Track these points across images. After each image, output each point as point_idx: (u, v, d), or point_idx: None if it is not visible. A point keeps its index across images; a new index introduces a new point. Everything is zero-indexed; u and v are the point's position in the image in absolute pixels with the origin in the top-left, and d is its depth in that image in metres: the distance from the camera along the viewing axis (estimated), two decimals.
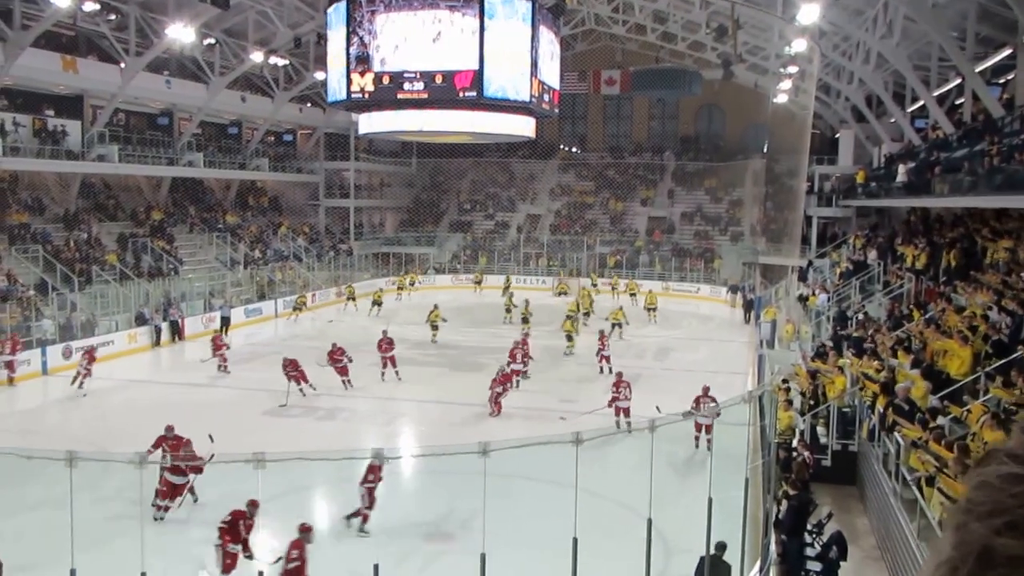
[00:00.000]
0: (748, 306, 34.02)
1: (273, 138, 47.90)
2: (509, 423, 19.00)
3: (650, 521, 11.31)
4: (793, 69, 32.98)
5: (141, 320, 29.97)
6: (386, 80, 21.73)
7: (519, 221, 51.89)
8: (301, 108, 46.38)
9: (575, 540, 10.98)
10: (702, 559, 11.22)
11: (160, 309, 31.16)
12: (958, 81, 25.78)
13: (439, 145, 42.96)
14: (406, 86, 21.64)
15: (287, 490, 14.06)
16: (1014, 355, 13.46)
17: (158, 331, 29.99)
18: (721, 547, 11.42)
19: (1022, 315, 14.89)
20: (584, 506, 13.46)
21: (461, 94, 21.55)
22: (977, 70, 22.81)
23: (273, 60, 38.70)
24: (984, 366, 14.11)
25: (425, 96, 21.64)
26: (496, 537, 12.86)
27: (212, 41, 36.82)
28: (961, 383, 14.38)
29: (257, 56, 36.94)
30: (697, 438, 17.34)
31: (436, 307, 30.73)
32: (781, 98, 37.68)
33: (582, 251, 47.71)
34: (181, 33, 30.92)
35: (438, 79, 21.49)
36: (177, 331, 30.62)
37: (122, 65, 33.71)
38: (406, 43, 21.46)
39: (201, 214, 41.59)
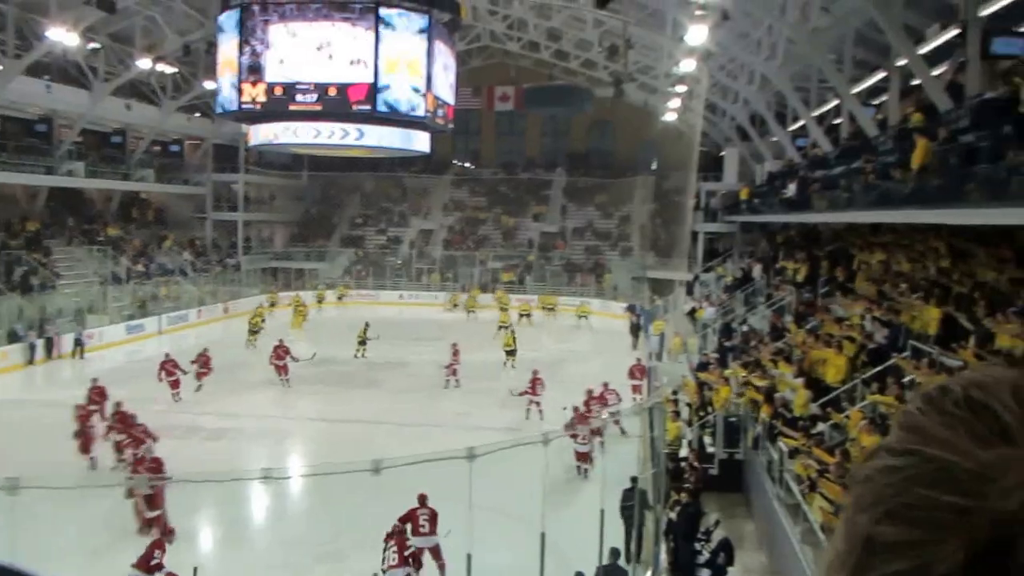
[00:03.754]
0: (636, 330, 34.37)
1: (159, 148, 46.10)
2: (407, 439, 18.66)
3: (543, 535, 11.31)
4: (681, 88, 33.94)
5: (14, 337, 28.38)
6: (278, 91, 21.27)
7: (412, 236, 51.59)
8: (189, 118, 44.92)
9: (469, 556, 10.88)
10: (597, 569, 11.30)
11: (35, 326, 29.58)
12: (836, 102, 26.96)
13: (331, 158, 42.36)
14: (299, 98, 21.23)
15: (172, 513, 13.46)
16: (888, 362, 14.10)
17: (32, 348, 28.47)
18: (615, 553, 11.55)
19: (896, 324, 15.62)
20: (478, 520, 13.34)
21: (355, 107, 21.30)
22: (853, 92, 23.93)
23: (161, 67, 37.32)
24: (861, 373, 14.73)
25: (318, 108, 21.28)
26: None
27: (97, 46, 35.24)
28: (840, 390, 14.97)
29: (144, 63, 35.58)
30: (578, 465, 17.24)
31: (367, 324, 30.20)
32: (670, 116, 38.72)
33: (474, 266, 47.78)
34: (63, 36, 29.47)
35: (332, 91, 21.18)
36: (52, 348, 29.13)
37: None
38: (300, 54, 21.08)
39: (81, 226, 39.66)
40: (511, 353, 28.40)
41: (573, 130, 55.07)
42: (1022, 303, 12.71)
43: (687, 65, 27.50)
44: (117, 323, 32.97)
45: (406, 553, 11.67)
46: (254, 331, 31.42)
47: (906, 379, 13.05)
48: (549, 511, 11.43)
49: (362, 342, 29.64)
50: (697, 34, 22.38)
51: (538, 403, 21.21)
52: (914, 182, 14.80)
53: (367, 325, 30.05)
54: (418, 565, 11.98)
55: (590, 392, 19.61)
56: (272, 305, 36.31)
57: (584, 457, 17.02)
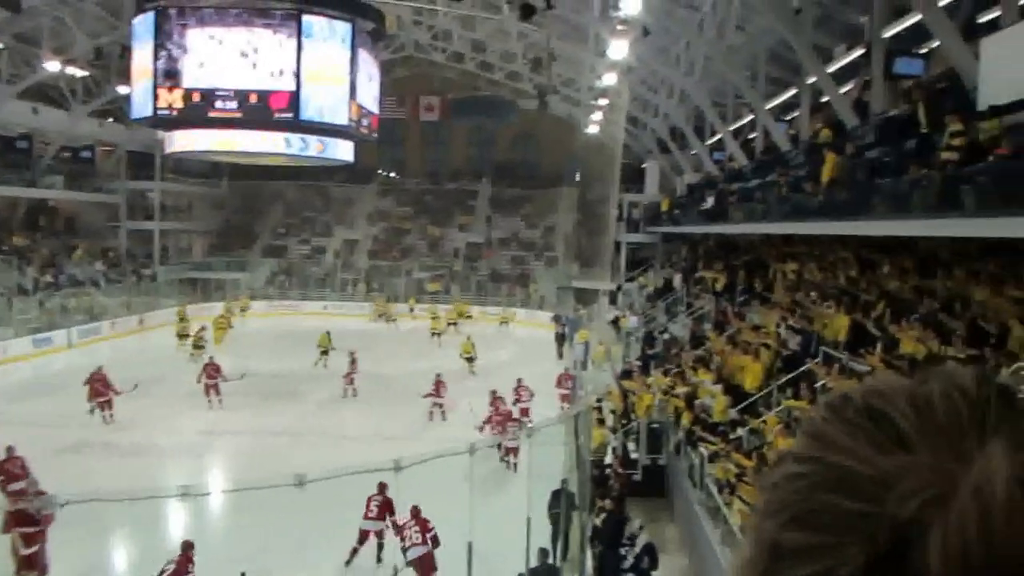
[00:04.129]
0: (561, 339, 34.64)
1: (69, 154, 44.60)
2: (332, 452, 18.45)
3: (471, 544, 11.37)
4: (603, 102, 34.47)
5: None
6: (196, 97, 20.85)
7: (336, 246, 51.09)
8: (101, 123, 43.61)
9: (395, 568, 10.87)
10: (529, 571, 11.43)
11: None
12: (751, 117, 27.81)
13: (252, 167, 41.62)
14: (218, 104, 20.85)
15: (84, 535, 13.02)
16: (801, 368, 14.60)
17: None
18: (544, 553, 11.71)
19: (808, 332, 16.18)
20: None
21: (277, 115, 21.04)
22: (767, 107, 24.73)
23: (71, 70, 36.16)
24: (777, 379, 15.21)
25: (238, 116, 20.92)
26: (318, 570, 12.51)
27: (0, 46, 34.02)
28: (757, 396, 15.43)
29: (53, 65, 34.37)
30: (505, 460, 17.86)
31: (328, 333, 30.14)
32: (592, 129, 39.27)
33: (400, 277, 47.60)
34: None
35: (252, 99, 20.86)
36: None
37: None
38: (219, 60, 20.70)
39: None
40: (471, 360, 29.03)
41: (498, 141, 55.36)
42: (923, 310, 13.31)
43: (609, 79, 27.98)
44: (23, 336, 31.76)
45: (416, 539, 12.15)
46: (199, 345, 30.20)
47: (818, 384, 13.54)
48: (476, 519, 11.48)
49: (324, 352, 29.41)
50: (618, 49, 22.81)
51: (440, 405, 22.02)
52: (824, 195, 15.37)
53: (328, 334, 29.96)
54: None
55: (494, 393, 20.19)
56: (181, 320, 35.16)
57: (513, 451, 17.43)
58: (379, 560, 13.40)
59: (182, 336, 32.05)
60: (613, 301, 35.31)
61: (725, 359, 17.65)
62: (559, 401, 22.97)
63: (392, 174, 56.68)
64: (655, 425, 17.22)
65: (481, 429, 18.36)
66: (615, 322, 30.98)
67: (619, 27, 22.24)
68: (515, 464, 17.29)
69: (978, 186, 10.78)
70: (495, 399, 19.96)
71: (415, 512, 12.43)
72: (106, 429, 20.66)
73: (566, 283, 43.77)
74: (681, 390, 17.20)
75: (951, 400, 0.62)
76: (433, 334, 35.98)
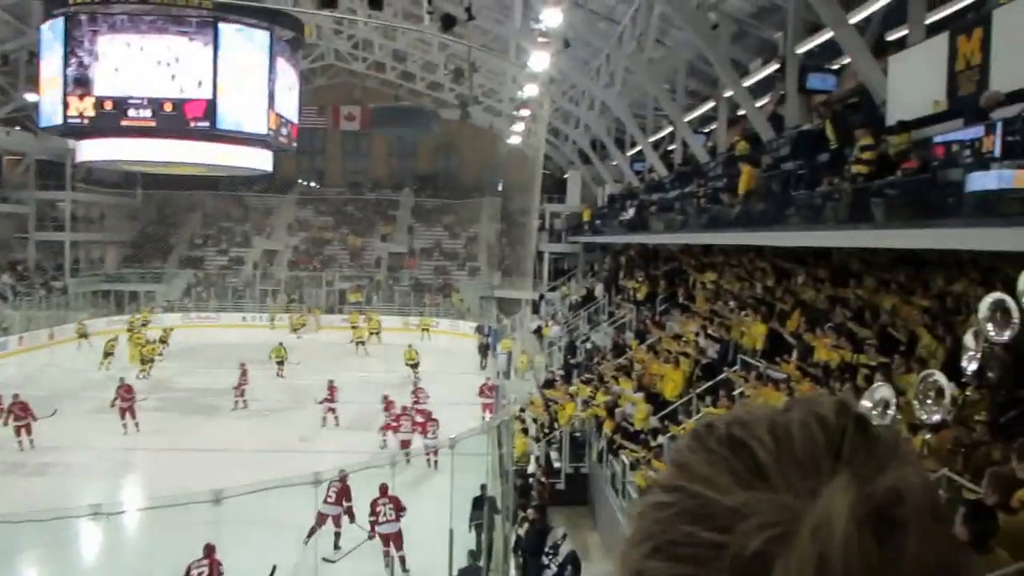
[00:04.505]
0: (485, 349, 34.57)
1: None
2: (250, 466, 17.99)
3: (392, 557, 11.25)
4: (525, 113, 34.67)
5: None
6: (108, 105, 20.27)
7: (255, 257, 50.08)
8: (8, 131, 41.84)
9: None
10: (458, 571, 11.40)
11: None
12: (670, 129, 28.35)
13: (167, 176, 40.53)
14: (131, 113, 20.32)
15: None
16: (720, 376, 14.88)
17: None
18: (473, 554, 11.72)
19: (726, 340, 16.51)
20: (325, 545, 13.10)
21: (192, 124, 20.59)
22: (686, 120, 25.25)
23: None
24: (696, 387, 15.47)
25: (152, 125, 20.42)
26: None
27: None
28: (677, 404, 15.66)
29: None
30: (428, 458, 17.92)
31: (281, 344, 30.44)
32: (514, 140, 39.44)
33: (321, 287, 46.94)
34: None
35: (167, 107, 20.40)
36: None
37: None
38: (132, 67, 20.18)
39: None
40: (415, 366, 29.44)
41: (420, 151, 55.13)
42: (837, 319, 13.71)
43: (530, 90, 28.16)
44: None
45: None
46: (109, 352, 29.73)
47: (736, 392, 13.82)
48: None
49: (280, 362, 29.26)
50: (539, 60, 22.99)
51: (334, 410, 22.45)
52: (741, 206, 15.73)
53: (281, 345, 30.01)
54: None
55: (386, 397, 21.24)
56: (82, 336, 33.95)
57: (433, 451, 17.50)
58: (336, 547, 13.83)
59: (107, 353, 30.91)
60: (536, 311, 35.49)
61: (646, 368, 17.87)
62: (481, 411, 22.92)
63: (312, 184, 55.90)
64: (577, 434, 17.33)
65: (383, 435, 19.69)
66: (538, 331, 31.12)
67: (540, 39, 22.43)
68: (435, 462, 17.51)
69: (887, 199, 11.17)
70: (388, 402, 20.92)
71: (384, 490, 13.31)
72: (14, 448, 19.76)
73: (489, 293, 43.80)
74: (603, 399, 17.35)
75: (809, 430, 0.62)
76: (355, 343, 35.85)
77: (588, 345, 25.79)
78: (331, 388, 22.63)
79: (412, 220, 52.73)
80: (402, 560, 13.05)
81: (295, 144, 24.94)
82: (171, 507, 11.76)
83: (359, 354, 34.81)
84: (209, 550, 11.16)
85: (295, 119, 24.01)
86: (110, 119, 20.29)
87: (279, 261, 49.69)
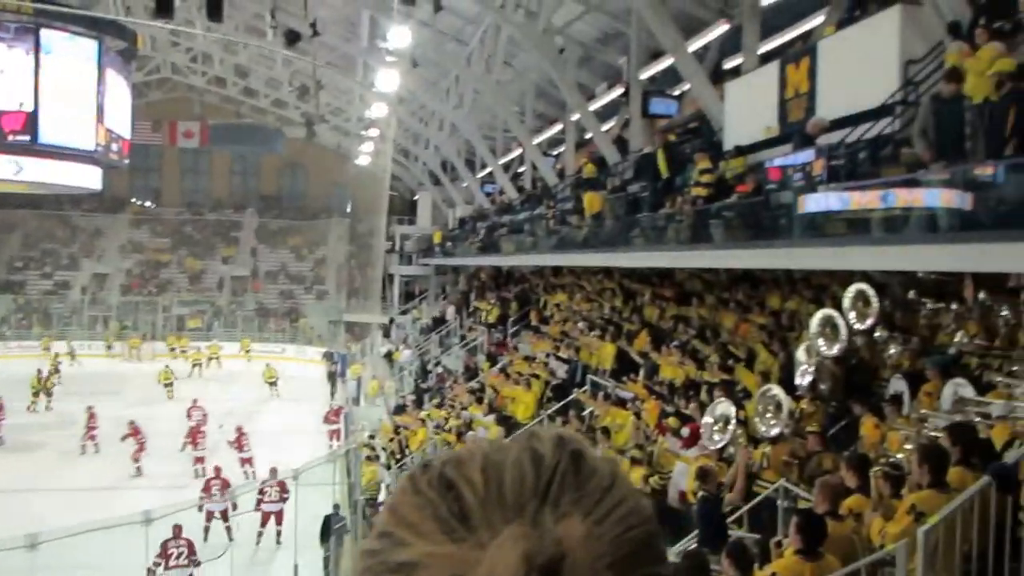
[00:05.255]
0: (333, 377, 33.49)
1: None
2: (76, 507, 16.54)
3: None
4: (373, 132, 34.26)
5: None
6: None
7: (83, 281, 47.01)
8: None
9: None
10: None
11: None
12: (520, 151, 28.62)
13: None
14: None
15: None
16: (570, 397, 14.95)
17: None
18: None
19: (574, 361, 16.66)
20: None
21: (11, 138, 19.13)
22: (535, 142, 25.55)
23: None
24: (547, 409, 15.48)
25: None
26: None
27: None
28: (529, 426, 15.59)
29: None
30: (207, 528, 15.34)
31: (168, 367, 30.09)
32: (363, 160, 38.92)
33: (157, 313, 44.58)
34: None
35: None
36: None
37: None
38: None
39: None
40: (273, 383, 29.89)
41: (263, 170, 53.47)
42: (681, 337, 14.05)
43: (378, 110, 27.85)
44: None
45: None
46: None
47: (585, 412, 13.92)
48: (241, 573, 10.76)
49: (168, 384, 28.57)
50: (386, 80, 22.72)
51: (94, 438, 21.99)
52: (588, 228, 15.95)
53: (168, 367, 29.41)
54: None
55: (194, 428, 20.98)
56: None
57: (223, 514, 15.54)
58: (279, 542, 14.67)
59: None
60: (387, 335, 34.89)
61: (498, 390, 17.79)
62: (328, 439, 22.18)
63: (147, 203, 53.07)
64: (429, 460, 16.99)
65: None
66: (388, 356, 30.61)
67: (388, 58, 22.20)
68: (228, 528, 15.33)
69: (725, 220, 11.53)
70: (194, 432, 20.69)
71: (273, 471, 15.38)
72: None
73: (338, 317, 42.87)
74: (454, 423, 17.11)
75: (520, 468, 0.60)
76: (193, 365, 34.90)
77: (439, 369, 25.54)
78: (134, 428, 20.64)
79: (256, 242, 51.04)
80: None
81: (127, 161, 23.60)
82: None
83: (192, 377, 33.17)
84: None
85: (127, 134, 22.77)
86: None
87: (110, 285, 46.83)
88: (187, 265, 48.99)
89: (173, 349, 37.77)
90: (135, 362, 38.49)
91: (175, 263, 49.30)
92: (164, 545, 12.08)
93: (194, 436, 20.61)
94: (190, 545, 12.28)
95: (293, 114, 41.03)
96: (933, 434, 6.66)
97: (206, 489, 15.71)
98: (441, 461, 0.63)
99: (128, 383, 31.02)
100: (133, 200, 52.04)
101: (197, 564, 12.16)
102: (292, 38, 21.65)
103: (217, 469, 16.82)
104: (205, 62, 41.06)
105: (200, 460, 19.78)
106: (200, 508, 14.63)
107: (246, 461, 19.39)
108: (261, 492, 14.93)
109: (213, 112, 46.32)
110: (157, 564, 12.03)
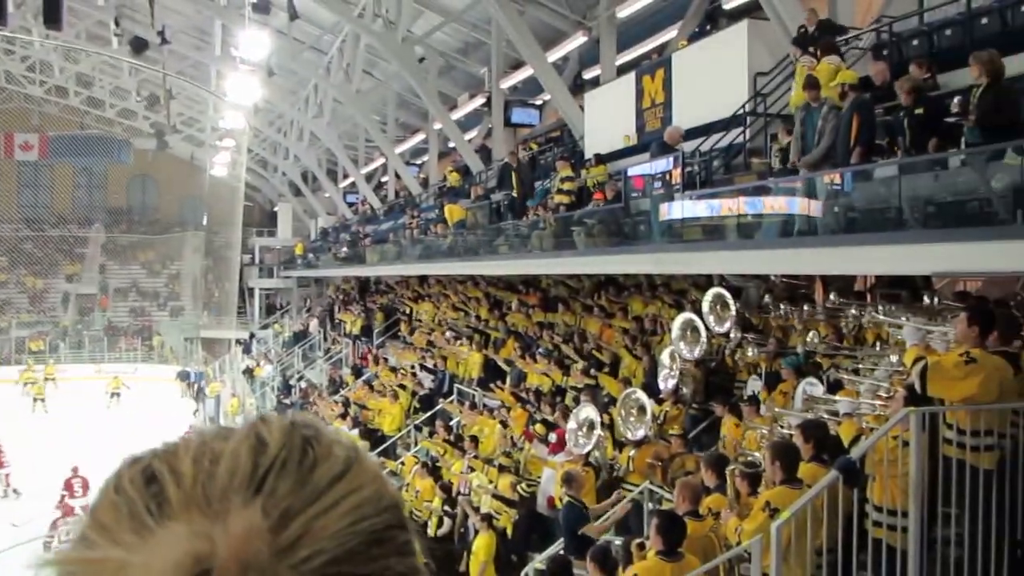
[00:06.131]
0: (197, 393, 31.91)
1: None
2: None
3: None
4: (228, 143, 33.10)
5: None
6: None
7: None
8: None
9: None
10: None
11: None
12: (383, 160, 28.27)
13: None
14: None
15: None
16: (437, 407, 14.82)
17: None
18: None
19: (441, 370, 16.53)
20: None
21: None
22: (398, 151, 25.31)
23: None
24: (414, 419, 15.28)
25: None
26: None
27: None
28: (395, 438, 15.37)
29: None
30: None
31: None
32: (218, 171, 37.53)
33: None
34: None
35: None
36: None
37: None
38: None
39: None
40: (116, 395, 29.62)
41: (111, 183, 50.66)
42: (547, 344, 14.14)
43: (232, 120, 26.91)
44: None
45: None
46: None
47: (453, 422, 13.81)
48: None
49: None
50: (241, 89, 21.98)
51: None
52: (452, 236, 15.88)
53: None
54: None
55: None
56: None
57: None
58: None
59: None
60: (247, 350, 33.69)
61: (364, 403, 17.44)
62: None
63: None
64: None
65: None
66: (249, 372, 29.57)
67: (242, 67, 21.48)
68: None
69: (587, 227, 11.70)
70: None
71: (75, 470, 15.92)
72: None
73: (194, 334, 41.14)
74: None
75: (236, 458, 0.54)
76: (34, 400, 30.99)
77: (303, 383, 24.88)
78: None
79: (104, 258, 48.34)
80: None
81: None
82: None
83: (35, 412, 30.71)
84: None
85: None
86: None
87: None
88: (27, 284, 45.92)
89: (49, 379, 32.98)
90: None
91: (13, 282, 46.11)
92: None
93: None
94: None
95: (143, 125, 39.20)
96: (787, 432, 6.90)
97: None
98: (152, 452, 0.56)
99: None
100: None
101: None
102: (139, 46, 20.71)
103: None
104: (44, 71, 38.70)
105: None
106: None
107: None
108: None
109: (54, 123, 43.57)
110: None
